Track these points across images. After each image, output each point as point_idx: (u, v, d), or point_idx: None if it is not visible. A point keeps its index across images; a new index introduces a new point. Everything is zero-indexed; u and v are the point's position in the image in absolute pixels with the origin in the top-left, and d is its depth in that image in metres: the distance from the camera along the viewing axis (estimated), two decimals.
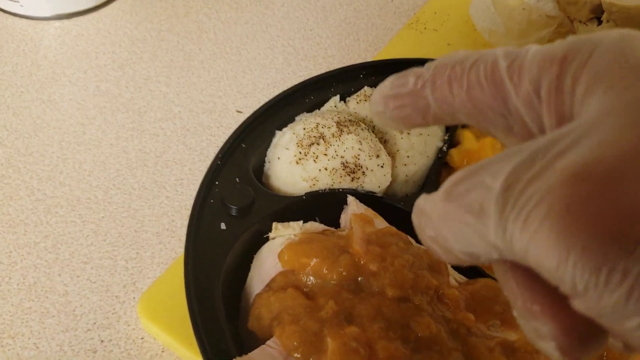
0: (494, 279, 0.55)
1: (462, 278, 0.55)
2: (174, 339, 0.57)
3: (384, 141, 0.65)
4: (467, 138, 0.65)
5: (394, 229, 0.56)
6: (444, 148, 0.64)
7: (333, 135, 0.61)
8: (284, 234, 0.56)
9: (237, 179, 0.59)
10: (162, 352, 0.59)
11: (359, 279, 0.53)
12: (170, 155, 0.75)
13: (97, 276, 0.64)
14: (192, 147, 0.76)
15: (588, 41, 0.26)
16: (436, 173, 0.63)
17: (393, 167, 0.63)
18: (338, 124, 0.61)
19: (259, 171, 0.63)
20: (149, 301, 0.60)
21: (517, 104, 0.27)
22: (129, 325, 0.61)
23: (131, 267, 0.65)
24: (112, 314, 0.61)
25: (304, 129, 0.61)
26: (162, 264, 0.65)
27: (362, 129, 0.62)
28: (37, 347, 0.58)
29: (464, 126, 0.67)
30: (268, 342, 0.50)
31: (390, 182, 0.63)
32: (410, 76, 0.32)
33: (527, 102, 0.27)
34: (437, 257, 0.32)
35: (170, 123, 0.78)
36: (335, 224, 0.59)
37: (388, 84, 0.33)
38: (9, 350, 0.58)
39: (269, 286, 0.54)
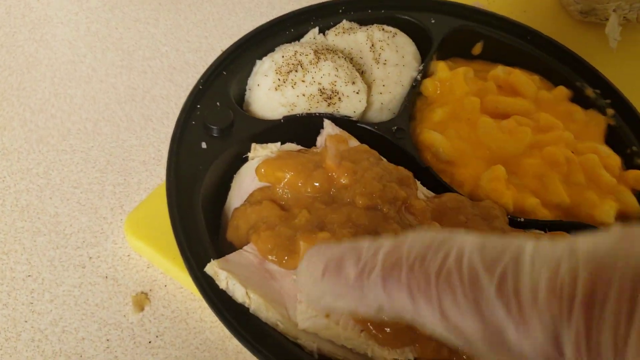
0: (460, 194, 0.58)
1: (430, 193, 0.58)
2: (158, 254, 0.61)
3: (361, 72, 0.67)
4: (441, 68, 0.67)
5: (366, 146, 0.59)
6: (418, 77, 0.67)
7: (310, 63, 0.63)
8: (262, 154, 0.59)
9: (218, 103, 0.62)
10: (148, 268, 0.63)
11: (332, 191, 0.56)
12: (157, 91, 0.78)
13: (86, 199, 0.67)
14: (179, 83, 0.78)
15: (615, 257, 0.20)
16: (411, 101, 0.66)
17: (369, 95, 0.65)
18: (315, 52, 0.64)
19: (240, 99, 0.66)
20: (135, 220, 0.63)
21: (521, 346, 0.22)
22: (115, 243, 0.64)
23: (119, 191, 0.68)
24: (100, 233, 0.65)
25: (283, 57, 0.64)
26: (148, 189, 0.68)
27: (338, 57, 0.64)
28: (29, 263, 0.62)
29: (438, 57, 0.70)
30: (245, 247, 0.53)
31: (366, 110, 0.65)
32: (348, 265, 0.27)
33: (542, 353, 0.21)
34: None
35: (158, 61, 0.81)
36: (313, 146, 0.61)
37: (319, 270, 0.28)
38: (3, 264, 0.61)
39: (247, 201, 0.57)
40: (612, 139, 0.66)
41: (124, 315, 0.59)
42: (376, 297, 0.26)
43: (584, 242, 0.22)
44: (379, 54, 0.67)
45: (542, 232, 0.55)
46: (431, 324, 0.24)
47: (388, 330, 0.47)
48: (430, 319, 0.24)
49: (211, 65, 0.64)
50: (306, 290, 0.30)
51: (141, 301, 0.60)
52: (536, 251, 0.22)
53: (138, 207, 0.64)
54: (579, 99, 0.69)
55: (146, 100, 0.77)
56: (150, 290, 0.61)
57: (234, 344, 0.58)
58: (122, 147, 0.72)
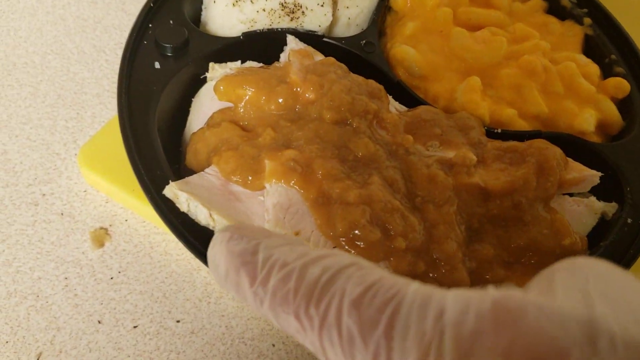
0: (434, 106, 0.55)
1: (402, 108, 0.55)
2: (116, 186, 0.57)
3: None
4: None
5: (332, 59, 0.55)
6: None
7: None
8: (220, 73, 0.55)
9: (171, 21, 0.57)
10: (106, 202, 0.59)
11: (297, 107, 0.52)
12: (109, 21, 0.72)
13: (37, 135, 0.62)
14: (132, 13, 0.73)
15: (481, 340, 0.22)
16: (380, 15, 0.62)
17: (335, 9, 0.61)
18: None
19: (197, 19, 0.61)
20: (90, 153, 0.58)
21: None
22: (70, 179, 0.60)
23: (72, 126, 0.63)
24: (54, 169, 0.60)
25: None
26: (102, 123, 0.64)
27: None
28: None
29: None
30: (206, 170, 0.49)
31: (333, 25, 0.61)
32: (244, 282, 0.28)
33: None
34: None
35: None
36: (275, 62, 0.57)
37: (222, 269, 0.29)
38: None
39: (206, 124, 0.53)
40: (590, 49, 0.63)
41: (83, 253, 0.56)
42: (268, 317, 0.28)
43: (452, 313, 0.22)
44: None
45: (520, 142, 0.52)
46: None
47: (361, 244, 0.45)
48: (315, 351, 0.26)
49: None
50: (216, 278, 0.31)
51: (100, 237, 0.57)
52: (407, 322, 0.23)
53: (92, 140, 0.59)
54: (555, 10, 0.66)
55: (98, 31, 0.71)
56: (111, 225, 0.58)
57: (202, 275, 0.55)
58: (74, 81, 0.67)
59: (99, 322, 0.52)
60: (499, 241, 0.48)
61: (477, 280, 0.48)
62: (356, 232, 0.45)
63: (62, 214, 0.58)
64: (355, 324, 0.24)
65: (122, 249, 0.56)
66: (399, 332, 0.23)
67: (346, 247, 0.45)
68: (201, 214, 0.46)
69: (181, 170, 0.54)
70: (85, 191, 0.59)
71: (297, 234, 0.46)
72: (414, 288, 0.24)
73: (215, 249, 0.30)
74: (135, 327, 0.53)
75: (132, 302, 0.54)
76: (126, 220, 0.58)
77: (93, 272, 0.55)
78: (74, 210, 0.58)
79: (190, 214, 0.46)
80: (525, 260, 0.48)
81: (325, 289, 0.25)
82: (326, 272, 0.26)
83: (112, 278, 0.55)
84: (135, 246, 0.57)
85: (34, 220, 0.57)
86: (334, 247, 0.46)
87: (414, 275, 0.46)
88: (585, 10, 0.64)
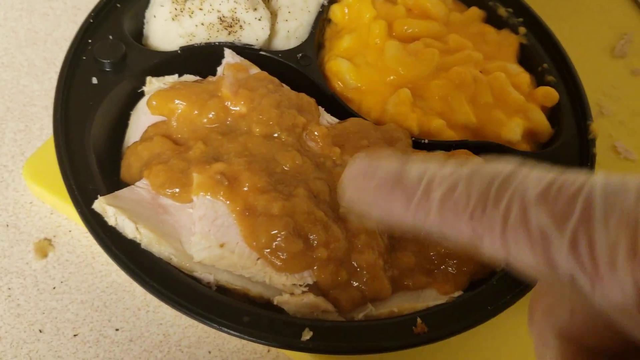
0: (365, 118, 0.56)
1: (334, 120, 0.56)
2: (59, 198, 0.58)
3: (267, 0, 0.64)
4: None
5: (265, 73, 0.56)
6: (325, 2, 0.64)
7: None
8: (157, 87, 0.56)
9: (110, 37, 0.58)
10: (51, 214, 0.60)
11: (228, 121, 0.54)
12: (60, 34, 0.74)
13: None
14: None
15: None
16: (318, 28, 0.63)
17: (274, 22, 0.63)
18: None
19: (139, 33, 0.63)
20: (34, 165, 0.60)
21: (595, 296, 0.22)
22: (17, 191, 0.61)
23: (19, 138, 0.65)
24: (0, 182, 0.62)
25: None
26: (50, 136, 0.65)
27: None
28: None
29: None
30: (137, 183, 0.51)
31: (272, 38, 0.63)
32: (396, 192, 0.26)
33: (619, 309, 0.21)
34: None
35: (61, 2, 0.76)
36: (209, 76, 0.59)
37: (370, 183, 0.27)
38: None
39: (140, 138, 0.55)
40: (525, 57, 0.65)
41: (27, 263, 0.57)
42: (433, 229, 0.26)
43: None
44: None
45: (446, 152, 0.54)
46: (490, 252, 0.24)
47: (284, 255, 0.46)
48: (491, 252, 0.24)
49: None
50: (351, 196, 0.29)
51: (44, 248, 0.58)
52: (607, 201, 0.22)
53: (37, 152, 0.61)
54: (492, 19, 0.67)
55: (48, 43, 0.73)
56: (54, 236, 0.59)
57: None
58: (23, 93, 0.68)
59: (40, 331, 0.54)
60: (420, 249, 0.50)
61: (398, 287, 0.49)
62: (279, 243, 0.46)
63: (7, 225, 0.59)
64: (547, 216, 0.22)
65: (65, 259, 0.58)
66: (598, 215, 0.21)
67: (270, 258, 0.47)
68: (128, 228, 0.47)
69: (121, 183, 0.55)
70: (31, 203, 0.61)
71: (222, 245, 0.47)
72: (601, 176, 0.23)
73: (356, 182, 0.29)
74: (75, 335, 0.54)
75: (73, 311, 0.55)
76: (70, 231, 0.59)
77: (36, 282, 0.56)
78: (19, 221, 0.59)
79: (117, 227, 0.48)
80: (446, 267, 0.50)
81: (502, 190, 0.24)
82: (497, 176, 0.24)
83: (54, 288, 0.56)
84: (78, 256, 0.58)
85: None
86: (258, 259, 0.47)
87: (336, 284, 0.48)
88: (520, 19, 0.66)
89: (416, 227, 0.26)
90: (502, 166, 0.24)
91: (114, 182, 0.54)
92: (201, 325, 0.55)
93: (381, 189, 0.27)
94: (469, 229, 0.24)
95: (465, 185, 0.24)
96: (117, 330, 0.55)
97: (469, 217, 0.24)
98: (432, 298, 0.48)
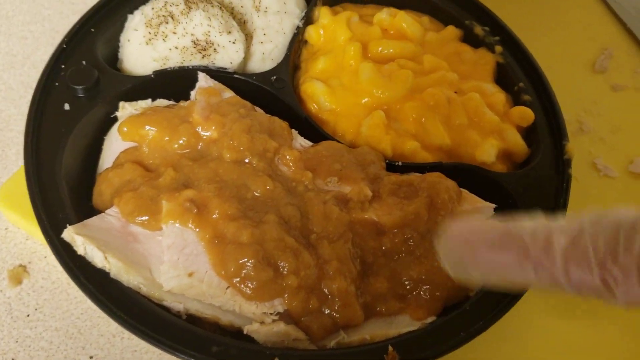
0: (339, 141, 0.56)
1: (308, 143, 0.56)
2: (34, 224, 0.57)
3: (243, 22, 0.64)
4: (324, 14, 0.65)
5: (237, 97, 0.56)
6: (300, 24, 0.64)
7: (182, 13, 0.60)
8: (130, 112, 0.56)
9: (84, 62, 0.58)
10: (27, 240, 0.60)
11: (200, 146, 0.53)
12: (39, 57, 0.73)
13: None
14: None
15: None
16: (294, 50, 0.63)
17: (249, 45, 0.63)
18: (186, 1, 0.60)
19: (114, 57, 0.62)
20: (9, 192, 0.59)
21: None
22: None
23: None
24: None
25: (153, 8, 0.60)
26: None
27: (212, 6, 0.61)
28: None
29: (326, 3, 0.67)
30: (107, 211, 0.51)
31: (247, 61, 0.63)
32: (509, 248, 0.27)
33: None
34: None
35: (39, 25, 0.76)
36: (181, 101, 0.59)
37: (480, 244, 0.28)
38: None
39: (112, 164, 0.54)
40: (501, 76, 0.65)
41: (1, 291, 0.57)
42: (556, 280, 0.26)
43: None
44: (259, 2, 0.64)
45: (420, 174, 0.54)
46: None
47: (253, 284, 0.46)
48: (628, 298, 0.25)
49: (76, 23, 0.60)
50: (455, 255, 0.30)
51: (18, 275, 0.58)
52: None
53: (12, 178, 0.60)
54: (469, 38, 0.67)
55: (26, 67, 0.73)
56: (30, 262, 0.59)
57: None
58: (0, 117, 0.68)
59: None
60: (393, 274, 0.49)
61: (371, 313, 0.49)
62: (248, 271, 0.46)
63: None
64: None
65: (40, 285, 0.58)
66: None
67: (239, 287, 0.46)
68: (97, 257, 0.47)
69: (94, 210, 0.55)
70: (6, 229, 0.61)
71: (191, 274, 0.47)
72: None
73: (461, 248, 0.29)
74: None
75: (47, 339, 0.55)
76: (45, 257, 0.59)
77: (10, 309, 0.56)
78: None
79: (87, 257, 0.47)
80: (419, 292, 0.49)
81: (632, 238, 0.24)
82: (622, 224, 0.25)
83: (28, 315, 0.56)
84: (53, 282, 0.58)
85: None
86: (227, 288, 0.47)
87: (307, 312, 0.47)
88: (497, 37, 0.66)
89: (532, 282, 0.26)
90: (625, 213, 0.25)
91: (89, 207, 0.54)
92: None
93: (491, 246, 0.27)
94: (598, 279, 0.24)
95: (590, 235, 0.25)
96: (91, 357, 0.54)
97: (600, 266, 0.24)
98: (405, 324, 0.48)
